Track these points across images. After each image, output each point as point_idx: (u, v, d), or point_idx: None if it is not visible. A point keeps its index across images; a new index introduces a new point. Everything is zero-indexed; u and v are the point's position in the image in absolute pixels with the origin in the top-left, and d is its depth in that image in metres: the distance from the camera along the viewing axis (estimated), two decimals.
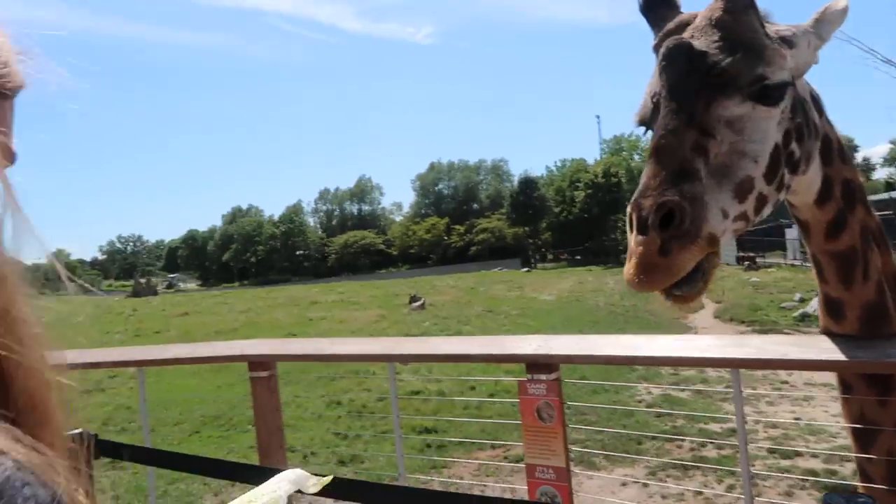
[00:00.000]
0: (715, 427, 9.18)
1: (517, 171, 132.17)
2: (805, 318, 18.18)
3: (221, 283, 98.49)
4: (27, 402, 0.54)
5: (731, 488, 7.23)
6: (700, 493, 7.21)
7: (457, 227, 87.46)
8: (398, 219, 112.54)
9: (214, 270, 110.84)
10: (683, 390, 11.32)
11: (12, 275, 0.54)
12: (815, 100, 1.98)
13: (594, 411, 9.95)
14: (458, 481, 8.00)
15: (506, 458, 8.44)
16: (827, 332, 2.12)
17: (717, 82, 1.66)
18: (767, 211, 1.78)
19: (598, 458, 8.26)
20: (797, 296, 21.91)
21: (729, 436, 8.80)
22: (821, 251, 2.03)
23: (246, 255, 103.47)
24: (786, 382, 11.54)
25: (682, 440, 8.92)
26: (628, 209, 1.59)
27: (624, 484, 7.62)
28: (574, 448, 8.00)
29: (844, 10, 1.88)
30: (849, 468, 7.39)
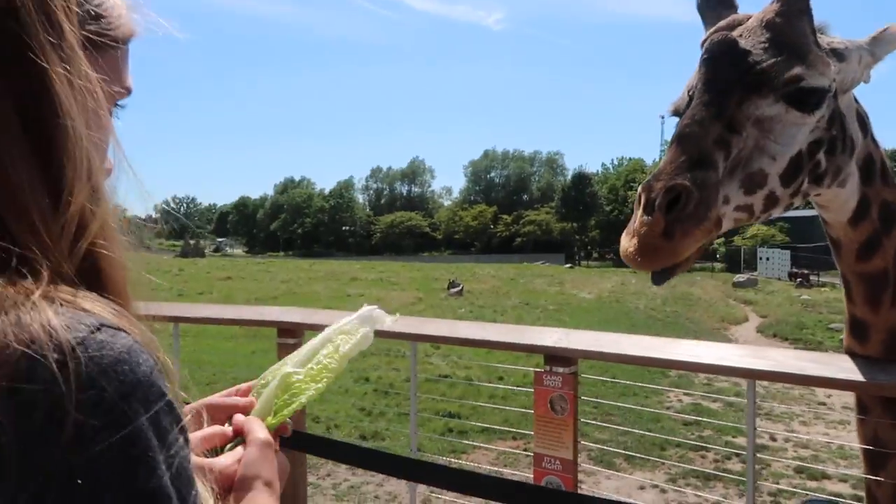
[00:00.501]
0: (743, 441, 9.02)
1: (572, 165, 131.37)
2: None
3: (267, 252, 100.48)
4: (118, 290, 0.68)
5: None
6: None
7: (504, 216, 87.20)
8: (447, 203, 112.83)
9: (262, 238, 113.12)
10: (715, 400, 11.14)
11: (108, 197, 0.70)
12: (862, 118, 1.94)
13: (621, 412, 9.88)
14: (475, 466, 8.06)
15: (525, 449, 8.47)
16: (850, 353, 2.09)
17: (754, 80, 1.67)
18: (777, 212, 1.79)
19: (618, 460, 8.23)
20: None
21: (757, 451, 8.66)
22: (851, 271, 1.99)
23: (293, 226, 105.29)
24: (823, 404, 11.25)
25: (708, 450, 8.81)
26: (639, 189, 1.61)
27: (642, 487, 7.59)
28: (595, 446, 8.01)
29: None
30: None
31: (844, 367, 2.00)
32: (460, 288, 26.98)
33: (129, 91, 0.84)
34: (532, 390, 2.80)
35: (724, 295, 32.50)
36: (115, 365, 0.57)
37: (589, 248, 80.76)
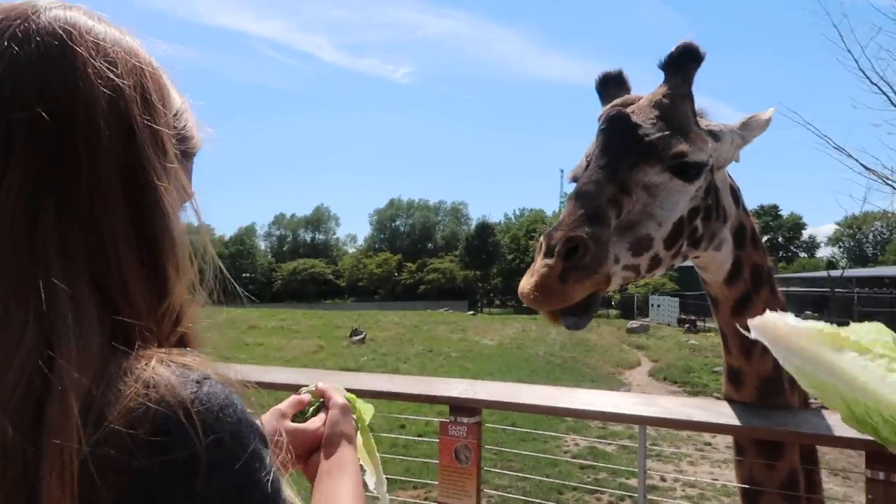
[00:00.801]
0: (635, 482, 9.34)
1: (476, 215, 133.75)
2: None
3: None
4: (195, 344, 0.88)
5: None
6: None
7: (409, 264, 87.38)
8: (351, 250, 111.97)
9: None
10: (610, 444, 11.51)
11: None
12: (734, 191, 2.20)
13: (520, 459, 10.02)
14: None
15: (426, 498, 8.42)
16: (728, 399, 2.29)
17: (644, 150, 1.89)
18: (659, 272, 2.00)
19: None
20: None
21: (648, 491, 8.98)
22: (727, 325, 2.21)
23: None
24: (708, 444, 11.83)
25: (602, 492, 9.06)
26: (541, 238, 1.78)
27: None
28: (496, 493, 8.08)
29: (768, 121, 2.18)
30: None
31: (724, 413, 2.18)
32: (363, 336, 26.70)
33: (191, 197, 0.96)
34: (435, 440, 2.84)
35: (619, 340, 33.78)
36: (222, 411, 0.74)
37: (491, 295, 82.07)
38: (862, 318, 30.65)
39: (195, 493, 0.69)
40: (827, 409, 2.15)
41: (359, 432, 1.37)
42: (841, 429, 2.03)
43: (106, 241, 0.78)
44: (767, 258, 2.27)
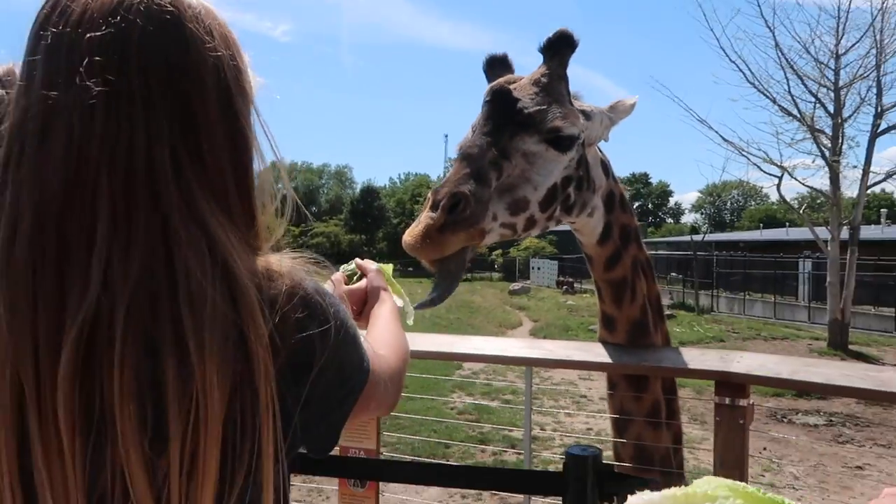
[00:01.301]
0: (517, 434, 9.89)
1: (361, 179, 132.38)
2: None
3: None
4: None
5: None
6: (497, 493, 7.79)
7: (292, 228, 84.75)
8: None
9: None
10: (493, 400, 12.07)
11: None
12: (605, 164, 2.49)
13: (408, 417, 10.34)
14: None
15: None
16: (603, 341, 2.58)
17: (524, 122, 2.12)
18: (535, 232, 2.25)
19: (406, 458, 8.61)
20: None
21: (531, 441, 9.55)
22: (600, 279, 2.53)
23: None
24: (584, 397, 12.68)
25: (487, 446, 9.55)
26: (429, 193, 1.98)
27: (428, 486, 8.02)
28: (384, 451, 8.32)
29: (632, 106, 2.49)
30: None
31: (599, 353, 2.45)
32: None
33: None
34: None
35: (502, 302, 34.98)
36: (326, 292, 1.07)
37: (377, 258, 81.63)
38: (719, 277, 33.37)
39: (334, 346, 1.02)
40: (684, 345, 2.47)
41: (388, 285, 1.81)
42: (695, 362, 2.35)
43: (217, 174, 0.98)
44: (635, 219, 2.59)
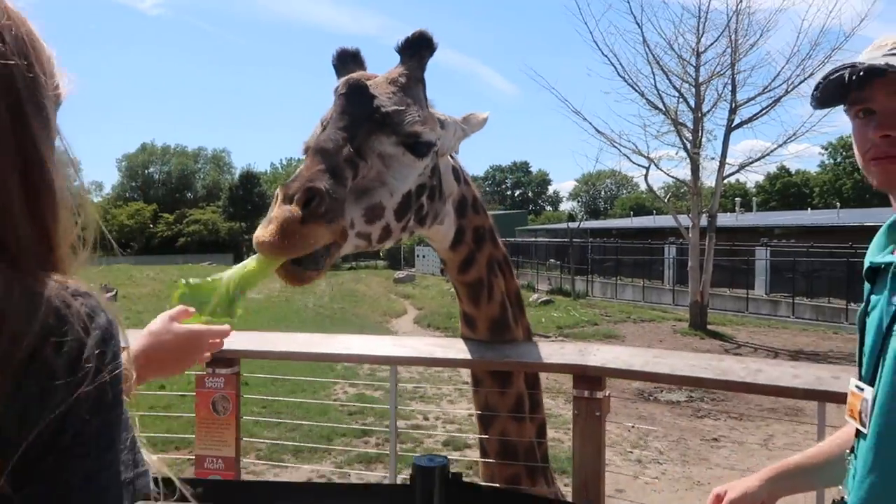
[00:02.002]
0: (401, 423, 9.91)
1: (240, 164, 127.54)
2: None
3: None
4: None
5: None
6: (377, 484, 7.76)
7: (166, 215, 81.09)
8: (97, 199, 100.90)
9: None
10: (378, 391, 12.02)
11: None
12: (456, 171, 2.44)
13: (290, 409, 10.11)
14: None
15: (189, 459, 8.17)
16: (465, 338, 2.58)
17: (381, 121, 2.02)
18: (390, 243, 2.15)
19: (287, 456, 8.42)
20: None
21: (411, 430, 9.60)
22: (456, 281, 2.53)
23: None
24: (466, 383, 12.87)
25: (370, 435, 9.50)
26: (277, 190, 1.83)
27: (308, 479, 7.87)
28: (267, 443, 8.10)
29: (484, 120, 2.47)
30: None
31: (461, 349, 2.45)
32: (114, 293, 24.52)
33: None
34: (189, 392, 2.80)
35: (387, 290, 34.96)
36: (95, 317, 0.86)
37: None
38: (594, 263, 34.98)
39: (77, 376, 0.81)
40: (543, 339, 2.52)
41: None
42: (556, 357, 2.41)
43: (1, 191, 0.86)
44: (489, 219, 2.57)
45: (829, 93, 1.44)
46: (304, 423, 9.56)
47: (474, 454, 8.98)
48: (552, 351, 2.44)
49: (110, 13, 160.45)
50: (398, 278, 39.69)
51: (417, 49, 2.14)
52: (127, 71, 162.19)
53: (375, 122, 2.01)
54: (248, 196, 70.70)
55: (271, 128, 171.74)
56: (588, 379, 2.34)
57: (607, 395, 2.38)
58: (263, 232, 1.76)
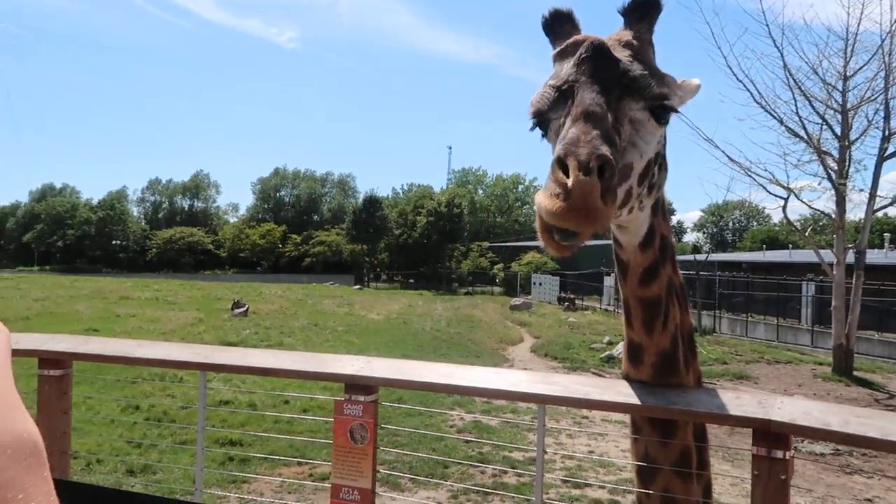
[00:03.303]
0: (518, 455, 9.63)
1: (363, 188, 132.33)
2: (610, 360, 19.69)
3: (18, 266, 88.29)
4: None
5: None
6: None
7: (294, 236, 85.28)
8: (232, 220, 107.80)
9: (11, 251, 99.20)
10: (494, 418, 11.77)
11: None
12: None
13: (406, 433, 10.07)
14: (256, 498, 7.70)
15: (311, 475, 8.27)
16: (627, 378, 2.31)
17: (629, 85, 1.84)
18: (623, 212, 1.93)
19: (403, 480, 8.34)
20: (606, 339, 23.71)
21: (529, 464, 9.28)
22: (633, 295, 2.21)
23: (52, 238, 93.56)
24: (586, 417, 12.37)
25: (486, 466, 9.26)
26: (557, 154, 1.59)
27: None
28: (381, 469, 8.06)
29: (698, 87, 2.18)
30: (629, 499, 8.06)
31: (622, 392, 2.20)
32: (245, 308, 25.83)
33: None
34: (321, 415, 2.72)
35: (503, 317, 34.68)
36: None
37: (378, 269, 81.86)
38: (721, 298, 33.09)
39: None
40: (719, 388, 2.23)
41: None
42: (732, 408, 2.10)
43: None
44: (672, 232, 2.30)
45: None
46: (420, 451, 9.48)
47: (594, 493, 8.54)
48: (726, 401, 2.14)
49: (249, 46, 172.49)
50: (514, 305, 39.31)
51: (647, 9, 1.97)
52: (263, 100, 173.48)
53: (624, 86, 1.84)
54: (370, 219, 72.89)
55: (394, 154, 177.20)
56: (772, 436, 2.02)
57: (793, 455, 2.05)
58: (552, 203, 1.55)
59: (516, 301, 41.29)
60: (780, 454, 2.03)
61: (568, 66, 1.88)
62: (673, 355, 2.22)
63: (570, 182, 1.53)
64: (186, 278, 54.70)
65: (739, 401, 2.15)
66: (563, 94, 1.84)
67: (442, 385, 2.51)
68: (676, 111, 1.95)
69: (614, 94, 1.80)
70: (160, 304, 27.52)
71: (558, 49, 1.99)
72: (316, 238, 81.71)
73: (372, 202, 75.34)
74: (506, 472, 9.08)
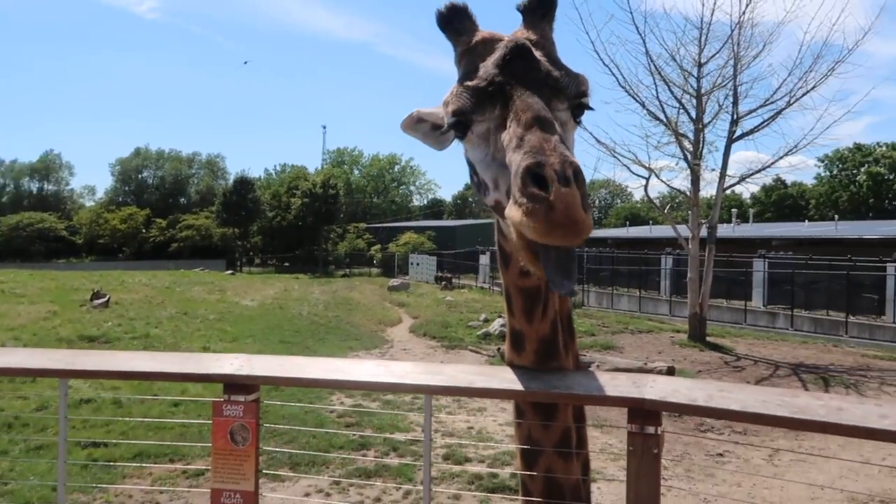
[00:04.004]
0: (399, 437, 9.70)
1: (234, 169, 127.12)
2: (487, 337, 20.24)
3: None
4: None
5: (407, 494, 7.69)
6: (379, 500, 7.56)
7: (158, 220, 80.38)
8: (89, 204, 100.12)
9: None
10: (374, 402, 11.79)
11: None
12: None
13: (285, 422, 9.87)
14: (125, 501, 7.29)
15: (185, 473, 7.92)
16: (511, 364, 2.36)
17: (554, 86, 1.82)
18: None
19: (284, 470, 8.19)
20: (482, 316, 24.32)
21: (411, 444, 9.38)
22: (513, 285, 2.24)
23: None
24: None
25: (369, 449, 9.27)
26: (525, 164, 1.53)
27: (307, 495, 7.65)
28: (260, 460, 7.86)
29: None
30: (507, 471, 8.36)
31: (506, 379, 2.25)
32: (106, 299, 24.17)
33: None
34: (193, 409, 2.59)
35: (381, 299, 34.70)
36: None
37: (251, 253, 79.22)
38: (589, 273, 34.85)
39: None
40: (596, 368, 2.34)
41: None
42: (609, 389, 2.21)
43: None
44: None
45: None
46: (300, 436, 9.33)
47: (473, 468, 8.78)
48: (603, 382, 2.25)
49: (105, 16, 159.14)
50: (392, 286, 39.45)
51: (549, 7, 1.96)
52: (122, 74, 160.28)
53: (551, 87, 1.81)
54: (241, 201, 70.22)
55: (265, 133, 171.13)
56: (644, 413, 2.15)
57: (663, 430, 2.19)
58: (534, 219, 1.48)
59: (394, 282, 41.46)
60: (651, 430, 2.16)
61: (489, 67, 1.84)
62: (553, 341, 2.29)
63: (551, 195, 1.47)
64: (38, 268, 50.25)
65: (615, 381, 2.27)
66: (488, 96, 1.80)
67: (328, 381, 2.46)
68: (592, 109, 1.96)
69: (545, 97, 1.77)
70: (7, 298, 25.16)
71: (466, 47, 1.96)
72: (183, 222, 77.53)
73: (243, 183, 72.62)
74: (388, 454, 9.13)
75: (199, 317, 22.52)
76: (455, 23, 2.01)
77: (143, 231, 79.87)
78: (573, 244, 1.52)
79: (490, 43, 1.92)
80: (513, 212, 1.54)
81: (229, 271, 57.98)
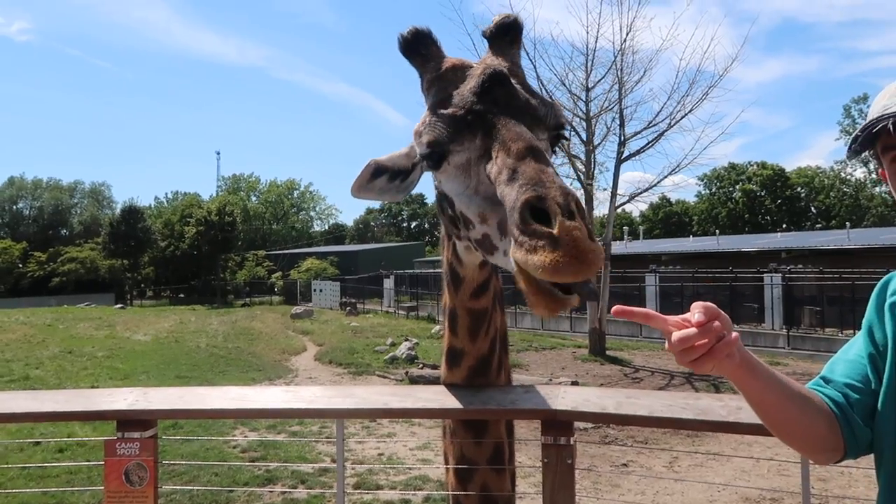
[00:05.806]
0: (307, 468, 9.40)
1: (121, 198, 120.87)
2: (394, 361, 20.06)
3: None
4: None
5: None
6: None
7: (37, 254, 75.04)
8: None
9: None
10: (279, 434, 11.39)
11: None
12: None
13: (185, 459, 9.37)
14: None
15: None
16: (444, 382, 2.34)
17: (534, 115, 1.76)
18: None
19: None
20: (389, 340, 24.13)
21: (320, 475, 9.12)
22: (462, 306, 2.23)
23: None
24: (375, 420, 12.44)
25: (276, 483, 8.93)
26: (524, 198, 1.44)
27: None
28: (160, 502, 7.40)
29: None
30: (420, 496, 8.26)
31: (420, 398, 2.22)
32: None
33: None
34: (81, 454, 2.40)
35: (284, 327, 33.77)
36: None
37: (143, 286, 75.31)
38: None
39: None
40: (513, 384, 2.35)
41: None
42: (522, 402, 2.22)
43: None
44: None
45: (863, 141, 1.44)
46: (201, 477, 8.86)
47: (385, 495, 8.62)
48: (517, 396, 2.25)
49: None
50: (295, 314, 38.50)
51: (515, 34, 1.93)
52: None
53: (531, 116, 1.74)
54: (130, 231, 66.74)
55: (155, 160, 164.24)
56: (558, 424, 2.17)
57: (576, 440, 2.22)
58: (543, 258, 1.38)
59: (297, 309, 40.50)
60: (564, 440, 2.18)
61: (465, 94, 1.76)
62: (489, 358, 2.30)
63: (555, 230, 1.39)
64: None
65: (529, 394, 2.29)
66: (467, 125, 1.72)
67: (233, 411, 2.33)
68: (567, 139, 1.95)
69: (527, 126, 1.69)
70: None
71: (435, 74, 1.89)
72: (66, 255, 72.66)
73: (132, 213, 69.12)
74: (296, 488, 8.82)
75: (85, 354, 21.12)
76: (421, 48, 1.94)
77: (20, 266, 74.33)
78: (587, 278, 1.43)
79: (461, 70, 1.86)
80: (518, 253, 1.45)
81: (119, 305, 54.82)
